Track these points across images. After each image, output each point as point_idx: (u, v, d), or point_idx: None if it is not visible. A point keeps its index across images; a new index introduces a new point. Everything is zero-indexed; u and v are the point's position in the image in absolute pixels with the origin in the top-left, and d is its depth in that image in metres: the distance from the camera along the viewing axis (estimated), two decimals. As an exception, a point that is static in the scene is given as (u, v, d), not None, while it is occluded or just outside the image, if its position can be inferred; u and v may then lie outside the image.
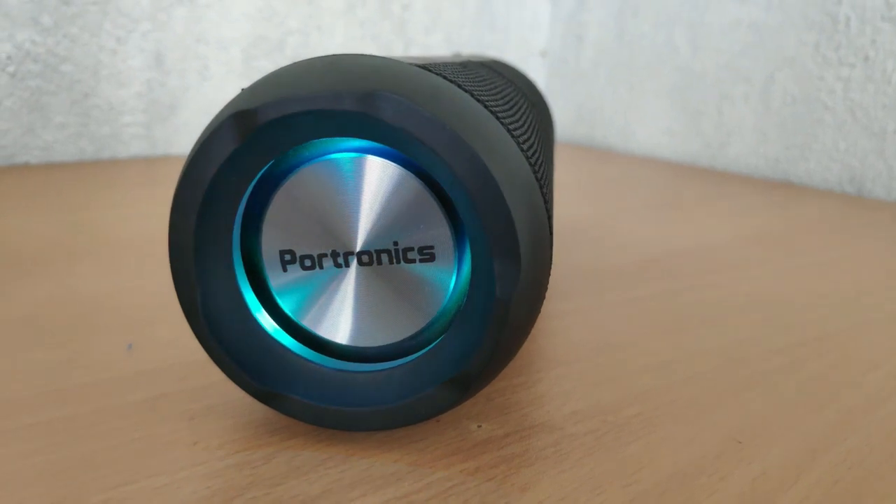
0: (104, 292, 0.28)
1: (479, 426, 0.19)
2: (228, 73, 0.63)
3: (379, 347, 0.17)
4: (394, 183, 0.16)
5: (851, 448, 0.18)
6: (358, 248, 0.16)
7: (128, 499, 0.15)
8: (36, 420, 0.18)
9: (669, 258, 0.36)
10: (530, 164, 0.16)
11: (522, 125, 0.19)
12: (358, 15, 0.69)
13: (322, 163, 0.16)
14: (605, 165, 0.66)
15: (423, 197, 0.16)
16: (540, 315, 0.27)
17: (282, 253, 0.17)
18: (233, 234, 0.17)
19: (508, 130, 0.16)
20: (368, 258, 0.16)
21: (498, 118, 0.16)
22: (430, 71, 0.16)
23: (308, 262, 0.17)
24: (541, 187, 0.17)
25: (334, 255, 0.16)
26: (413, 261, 0.16)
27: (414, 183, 0.16)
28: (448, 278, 0.16)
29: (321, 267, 0.17)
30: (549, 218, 0.17)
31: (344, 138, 0.16)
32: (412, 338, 0.17)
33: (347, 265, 0.17)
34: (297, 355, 0.17)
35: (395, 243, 0.16)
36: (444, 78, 0.16)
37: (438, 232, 0.16)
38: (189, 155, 0.16)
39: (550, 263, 0.17)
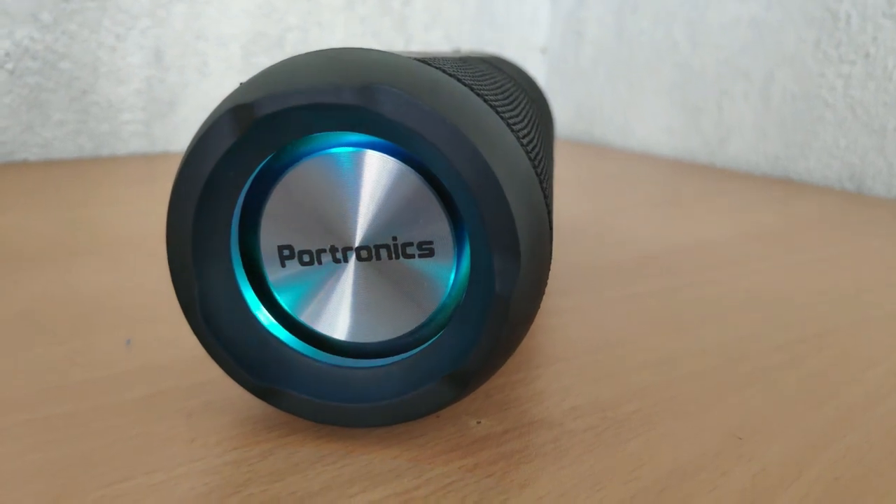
0: (103, 289, 0.28)
1: (479, 422, 0.19)
2: (228, 70, 0.63)
3: (377, 343, 0.17)
4: (393, 178, 0.16)
5: (851, 445, 0.18)
6: (357, 244, 0.16)
7: (125, 495, 0.15)
8: (34, 417, 0.18)
9: (669, 255, 0.36)
10: (530, 159, 0.16)
11: (522, 120, 0.19)
12: (358, 11, 0.69)
13: (321, 157, 0.16)
14: (604, 162, 0.66)
15: (423, 192, 0.16)
16: (539, 311, 0.27)
17: (280, 248, 0.17)
18: (231, 229, 0.17)
19: (508, 125, 0.16)
20: (367, 253, 0.16)
21: (498, 113, 0.16)
22: (429, 65, 0.16)
23: (306, 258, 0.17)
24: (541, 183, 0.17)
25: (333, 250, 0.16)
26: (412, 256, 0.16)
27: (413, 178, 0.16)
28: (447, 274, 0.16)
29: (320, 262, 0.17)
30: (549, 214, 0.17)
31: (343, 132, 0.16)
32: (411, 334, 0.17)
33: (346, 260, 0.17)
34: (296, 351, 0.17)
35: (394, 238, 0.16)
36: (444, 72, 0.16)
37: (437, 227, 0.16)
38: (187, 149, 0.16)
39: (550, 259, 0.17)
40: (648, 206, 0.47)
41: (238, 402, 0.19)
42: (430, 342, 0.17)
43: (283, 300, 0.17)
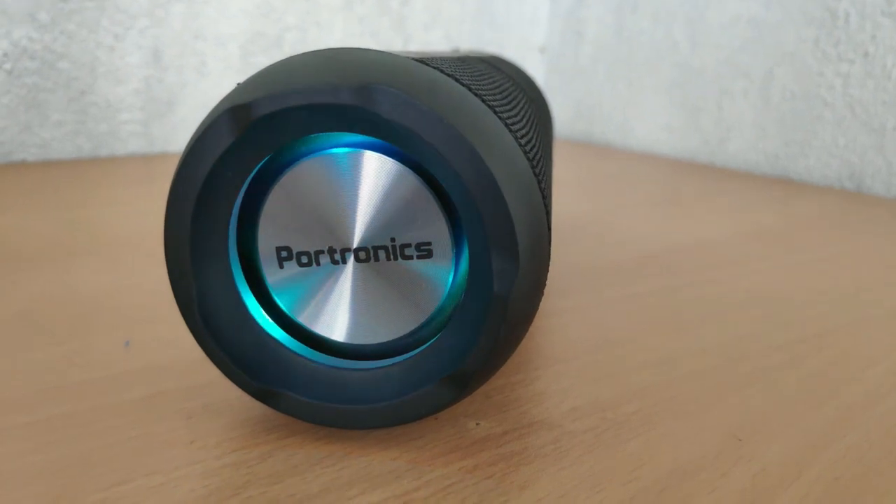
0: (102, 290, 0.28)
1: (478, 424, 0.19)
2: (226, 70, 0.63)
3: (376, 345, 0.17)
4: (391, 179, 0.16)
5: (851, 444, 0.18)
6: (355, 245, 0.16)
7: (124, 497, 0.15)
8: (33, 418, 0.18)
9: (668, 254, 0.36)
10: (529, 159, 0.16)
11: (521, 120, 0.19)
12: (356, 11, 0.68)
13: (319, 158, 0.16)
14: (603, 162, 0.66)
15: (421, 193, 0.16)
16: (538, 312, 0.27)
17: (278, 249, 0.17)
18: (229, 230, 0.16)
19: (507, 125, 0.16)
20: (365, 255, 0.16)
21: (496, 113, 0.16)
22: (427, 65, 0.16)
23: (305, 259, 0.17)
24: (539, 183, 0.17)
25: (331, 251, 0.16)
26: (410, 257, 0.16)
27: (411, 178, 0.16)
28: (446, 275, 0.16)
29: (318, 264, 0.17)
30: (548, 214, 0.17)
31: (341, 133, 0.16)
32: (410, 335, 0.17)
33: (344, 262, 0.16)
34: (294, 353, 0.17)
35: (393, 239, 0.16)
36: (442, 72, 0.16)
37: (436, 228, 0.16)
38: (185, 150, 0.16)
39: (549, 260, 0.17)
40: (648, 206, 0.47)
41: (237, 404, 0.19)
42: (428, 343, 0.17)
43: (282, 301, 0.17)
